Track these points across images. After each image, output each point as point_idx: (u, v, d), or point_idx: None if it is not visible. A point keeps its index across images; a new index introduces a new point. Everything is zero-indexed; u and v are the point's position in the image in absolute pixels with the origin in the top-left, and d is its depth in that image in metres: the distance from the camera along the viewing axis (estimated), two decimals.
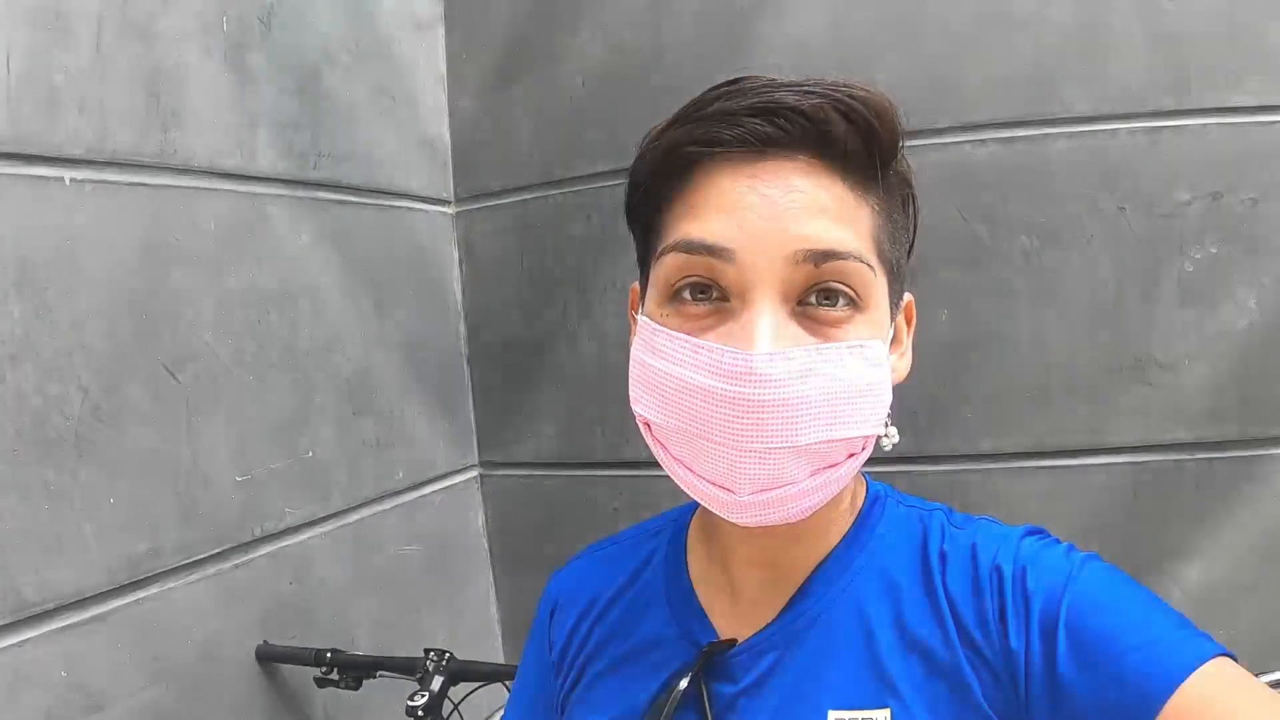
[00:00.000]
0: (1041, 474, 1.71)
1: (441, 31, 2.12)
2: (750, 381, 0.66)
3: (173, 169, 1.46)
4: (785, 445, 0.68)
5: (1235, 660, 0.67)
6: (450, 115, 2.13)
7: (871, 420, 0.71)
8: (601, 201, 1.98)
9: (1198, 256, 1.62)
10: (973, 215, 1.71)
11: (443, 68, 2.12)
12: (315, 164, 1.74)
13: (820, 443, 0.69)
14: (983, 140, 1.70)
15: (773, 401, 0.67)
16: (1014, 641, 0.71)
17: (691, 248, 0.69)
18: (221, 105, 1.55)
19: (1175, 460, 1.65)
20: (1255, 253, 1.60)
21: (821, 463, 0.70)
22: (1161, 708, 0.63)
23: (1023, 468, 1.72)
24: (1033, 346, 1.70)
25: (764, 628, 0.80)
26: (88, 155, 1.33)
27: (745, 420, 0.67)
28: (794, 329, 0.69)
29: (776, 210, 0.68)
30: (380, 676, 1.58)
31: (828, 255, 0.67)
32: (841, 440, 0.70)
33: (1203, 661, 0.64)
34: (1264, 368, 1.61)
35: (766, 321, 0.67)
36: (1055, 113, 1.67)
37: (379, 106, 1.92)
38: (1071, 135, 1.67)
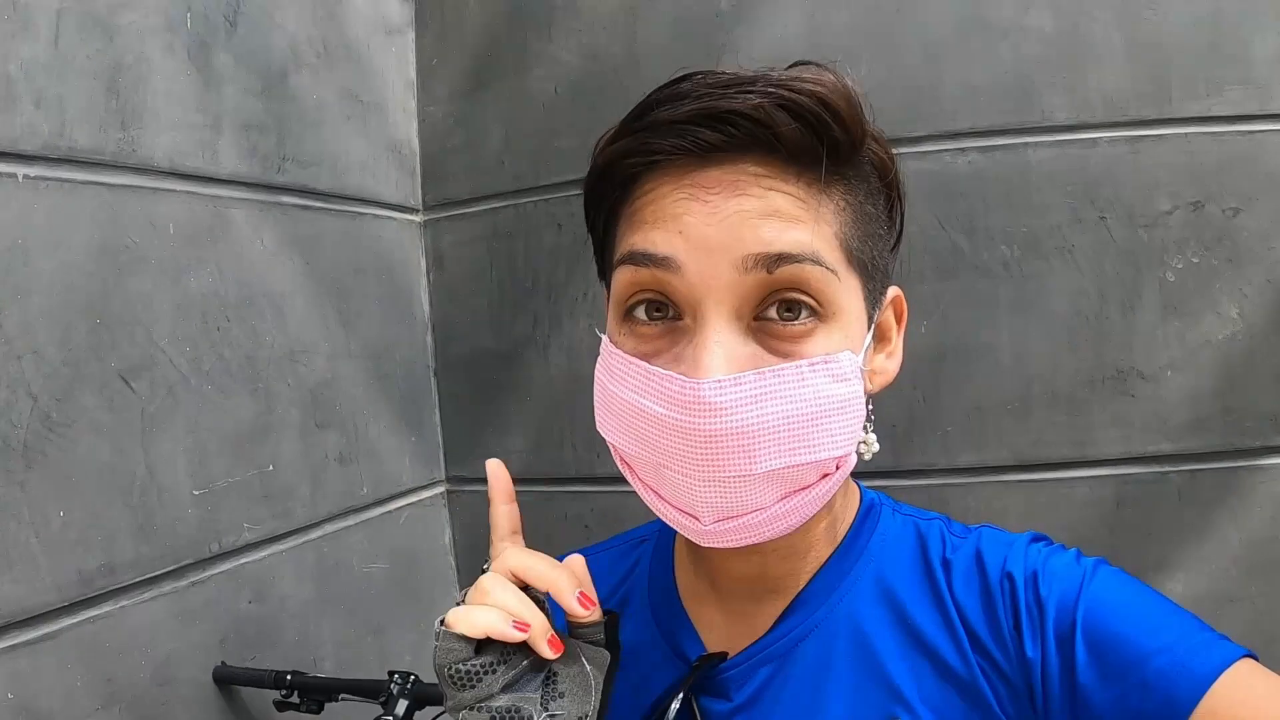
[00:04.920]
0: (1023, 488, 1.69)
1: (412, 36, 2.08)
2: (700, 411, 0.63)
3: (131, 168, 1.40)
4: (741, 475, 0.64)
5: (1257, 660, 0.65)
6: (420, 121, 2.09)
7: (841, 440, 0.67)
8: (573, 210, 1.94)
9: (1179, 266, 1.62)
10: (952, 225, 1.69)
11: (413, 73, 2.08)
12: (280, 168, 1.69)
13: (782, 469, 0.65)
14: (962, 149, 1.69)
15: (724, 431, 0.63)
16: (1030, 650, 0.68)
17: (636, 259, 0.66)
18: (184, 104, 1.50)
19: (1158, 472, 1.64)
20: (1236, 262, 1.60)
21: (791, 486, 0.67)
22: (1191, 713, 0.61)
23: (1003, 481, 1.70)
24: (1013, 358, 1.68)
25: (756, 641, 0.76)
26: (43, 151, 1.27)
27: (698, 451, 0.64)
28: (751, 348, 0.65)
29: (722, 215, 0.64)
30: (343, 700, 1.53)
31: (780, 259, 0.63)
32: (808, 464, 0.66)
33: (1228, 664, 0.63)
34: (1246, 378, 1.60)
35: (717, 343, 0.63)
36: (1035, 121, 1.67)
37: (347, 111, 1.87)
38: (1052, 144, 1.66)
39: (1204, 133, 1.60)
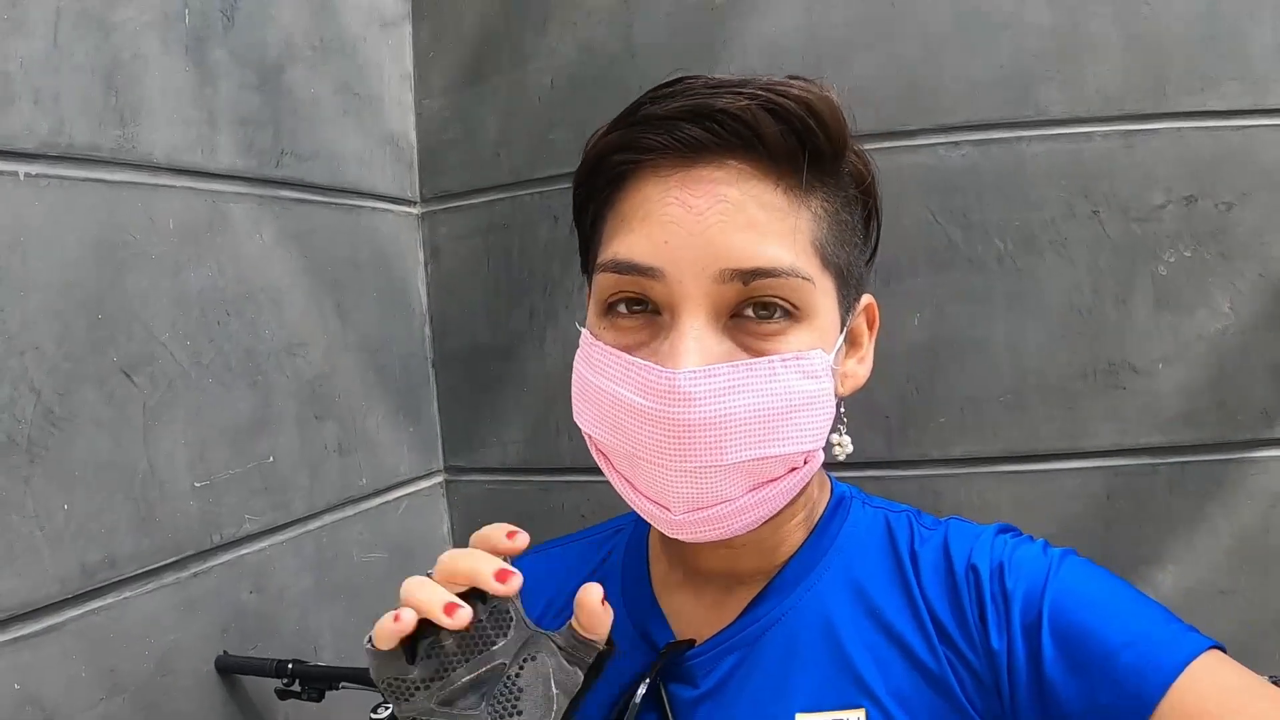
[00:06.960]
0: (1015, 479, 1.70)
1: (408, 29, 2.08)
2: (674, 400, 0.65)
3: (130, 165, 1.41)
4: (711, 465, 0.66)
5: (1225, 651, 0.66)
6: (416, 114, 2.09)
7: (809, 435, 0.70)
8: (569, 203, 1.93)
9: (1172, 260, 1.62)
10: (946, 218, 1.70)
11: (409, 66, 2.08)
12: (277, 162, 1.70)
13: (751, 460, 0.67)
14: (957, 142, 1.69)
15: (697, 421, 0.65)
16: (995, 642, 0.70)
17: (620, 268, 0.69)
18: (181, 100, 1.50)
19: (1149, 464, 1.64)
20: (1230, 256, 1.60)
21: (759, 478, 0.69)
22: (1156, 706, 0.62)
23: (996, 473, 1.71)
24: (1006, 351, 1.69)
25: (724, 629, 0.78)
26: (42, 149, 1.28)
27: (671, 439, 0.66)
28: (726, 345, 0.67)
29: (703, 224, 0.66)
30: (344, 688, 1.54)
31: (755, 274, 0.66)
32: (776, 457, 0.68)
33: (1195, 656, 0.64)
34: (1238, 371, 1.61)
35: (694, 338, 0.66)
36: (1030, 115, 1.67)
37: (343, 104, 1.88)
38: (1047, 138, 1.66)
39: (1199, 127, 1.60)
